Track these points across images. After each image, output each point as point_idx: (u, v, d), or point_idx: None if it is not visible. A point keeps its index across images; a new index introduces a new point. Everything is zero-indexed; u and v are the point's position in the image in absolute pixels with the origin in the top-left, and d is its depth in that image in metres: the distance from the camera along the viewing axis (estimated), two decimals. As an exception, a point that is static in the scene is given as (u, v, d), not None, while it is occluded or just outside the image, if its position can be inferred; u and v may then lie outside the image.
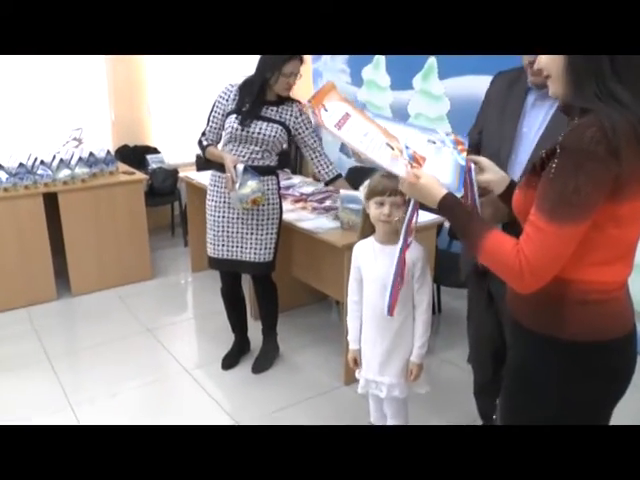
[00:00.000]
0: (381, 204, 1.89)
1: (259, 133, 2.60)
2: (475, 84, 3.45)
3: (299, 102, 2.68)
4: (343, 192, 2.78)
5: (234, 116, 2.62)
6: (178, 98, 4.94)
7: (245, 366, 2.97)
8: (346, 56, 4.72)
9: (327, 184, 2.83)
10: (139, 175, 3.97)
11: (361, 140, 1.35)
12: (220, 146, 2.75)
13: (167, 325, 3.47)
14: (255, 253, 2.73)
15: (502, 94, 1.79)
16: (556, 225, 1.09)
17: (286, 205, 3.18)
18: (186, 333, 3.46)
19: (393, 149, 1.35)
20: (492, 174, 1.44)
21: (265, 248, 2.73)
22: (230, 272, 2.84)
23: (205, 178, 3.74)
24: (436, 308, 3.41)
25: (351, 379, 2.63)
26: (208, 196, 2.80)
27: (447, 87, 3.90)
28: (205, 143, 2.75)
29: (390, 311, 1.55)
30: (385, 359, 1.99)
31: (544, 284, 1.14)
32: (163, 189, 4.43)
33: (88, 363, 3.04)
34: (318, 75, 5.29)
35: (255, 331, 3.09)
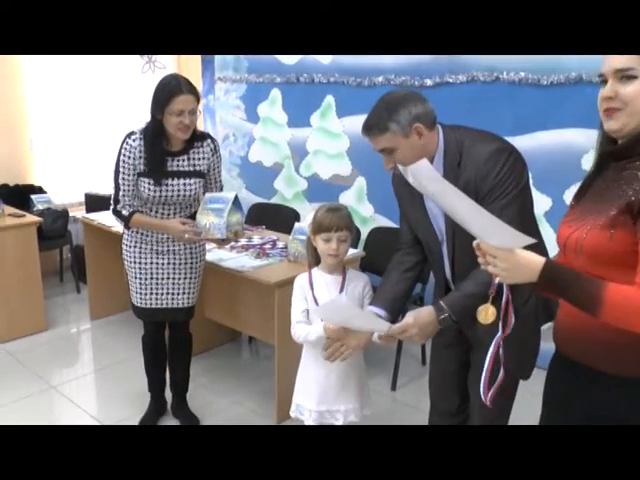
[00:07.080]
0: (328, 240, 1.91)
1: (178, 195, 2.41)
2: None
3: (208, 137, 2.47)
4: (297, 225, 2.85)
5: (147, 180, 2.37)
6: (64, 132, 4.62)
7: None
8: (241, 92, 4.75)
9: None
10: (30, 218, 3.65)
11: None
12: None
13: (72, 380, 3.19)
14: (188, 297, 2.59)
15: (402, 185, 1.76)
16: None
17: (201, 245, 3.13)
18: (96, 387, 3.20)
19: None
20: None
21: (196, 291, 2.62)
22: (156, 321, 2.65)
23: (106, 218, 3.52)
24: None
25: (284, 417, 2.61)
26: (128, 244, 2.53)
27: (345, 125, 4.08)
28: (125, 212, 2.40)
29: (485, 397, 1.40)
30: (341, 388, 2.01)
31: None
32: (53, 231, 4.09)
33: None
34: (210, 111, 5.25)
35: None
